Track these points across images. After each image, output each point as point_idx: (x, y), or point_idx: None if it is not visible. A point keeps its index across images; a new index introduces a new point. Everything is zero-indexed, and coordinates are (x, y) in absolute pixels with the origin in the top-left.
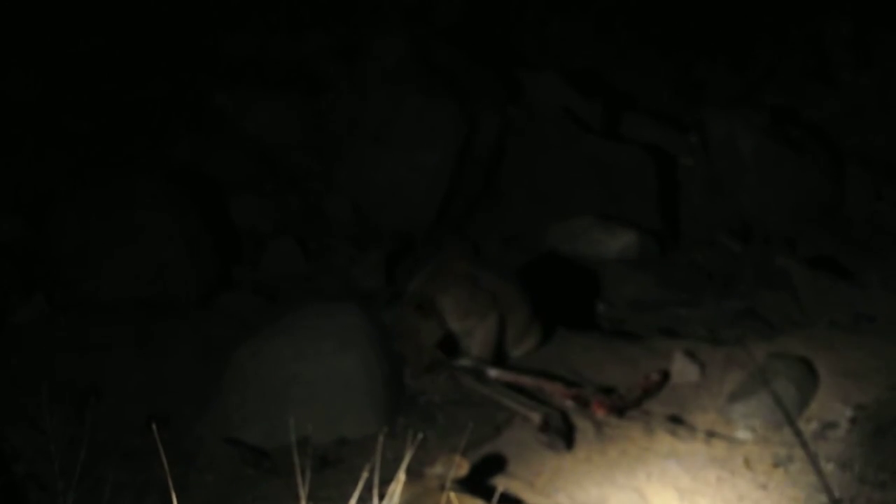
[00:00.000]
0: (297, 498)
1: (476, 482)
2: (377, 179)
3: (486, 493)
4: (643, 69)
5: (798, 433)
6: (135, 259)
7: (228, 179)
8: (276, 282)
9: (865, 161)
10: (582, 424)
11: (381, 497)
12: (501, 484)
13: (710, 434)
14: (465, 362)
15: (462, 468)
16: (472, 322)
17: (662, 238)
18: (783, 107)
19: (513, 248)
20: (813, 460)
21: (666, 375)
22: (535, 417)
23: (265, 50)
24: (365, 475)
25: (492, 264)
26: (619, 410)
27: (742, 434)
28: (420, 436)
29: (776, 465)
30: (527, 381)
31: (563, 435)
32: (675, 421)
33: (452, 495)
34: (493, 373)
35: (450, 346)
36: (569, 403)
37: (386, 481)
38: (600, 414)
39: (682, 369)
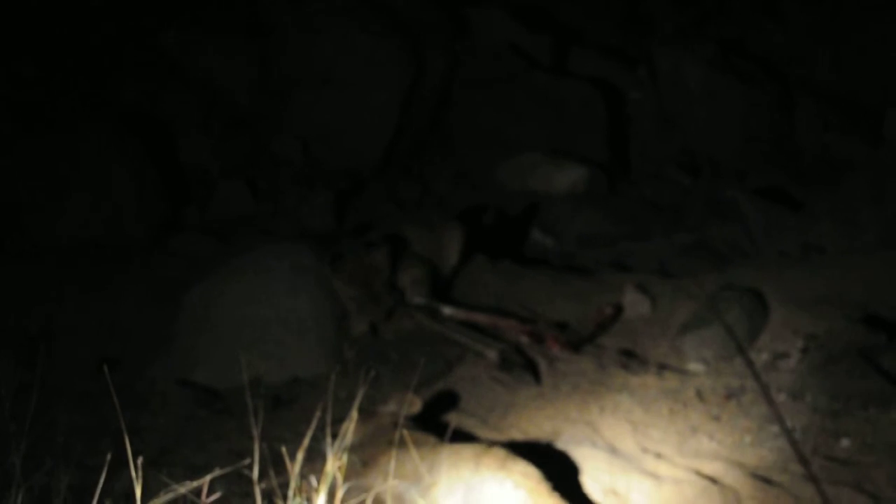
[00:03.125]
0: (251, 438)
1: (429, 419)
2: (325, 120)
3: (439, 429)
4: (589, 3)
5: (749, 364)
6: (84, 202)
7: (177, 121)
8: (227, 223)
9: (814, 93)
10: (535, 359)
11: (335, 436)
12: (454, 420)
13: (662, 367)
14: (419, 300)
15: (415, 405)
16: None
17: (611, 172)
18: (731, 39)
19: (462, 185)
20: (764, 391)
21: (619, 309)
22: (492, 355)
23: None
24: (318, 414)
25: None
26: (574, 345)
27: (694, 366)
28: (372, 374)
29: (728, 396)
30: (481, 318)
31: (528, 369)
32: (627, 354)
33: (405, 433)
34: (447, 310)
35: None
36: (523, 339)
37: (339, 420)
38: (555, 349)
39: (634, 303)
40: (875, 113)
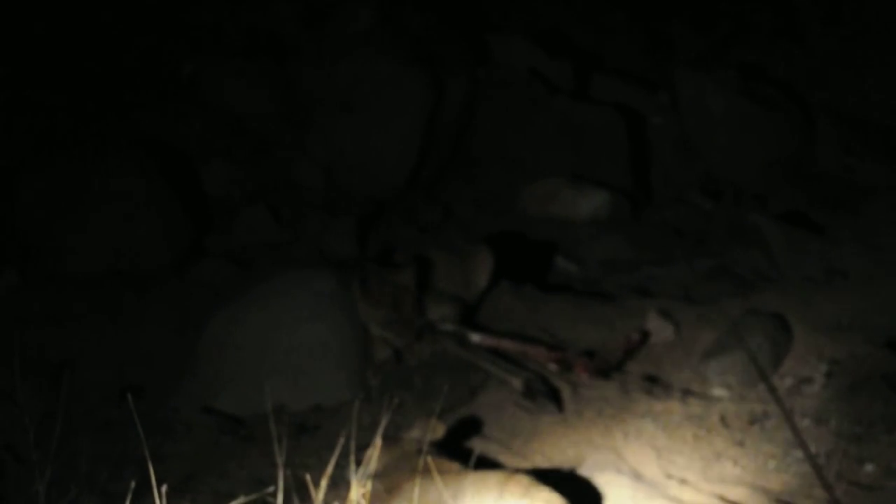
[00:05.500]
0: (275, 465)
1: (453, 445)
2: (347, 146)
3: (463, 456)
4: (610, 29)
5: (773, 389)
6: (106, 229)
7: (199, 148)
8: (249, 250)
9: (835, 117)
10: (558, 386)
11: (359, 463)
12: (478, 446)
13: (686, 392)
14: (447, 327)
15: (438, 432)
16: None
17: (634, 197)
18: (752, 64)
19: (484, 210)
20: (788, 416)
21: (646, 335)
22: (517, 383)
23: (232, 18)
24: (342, 441)
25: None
26: (604, 372)
27: (718, 392)
28: (396, 400)
29: (752, 421)
30: (510, 345)
31: (551, 398)
32: (651, 380)
33: (429, 459)
34: (475, 337)
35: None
36: (552, 367)
37: (363, 447)
38: (584, 376)
39: (657, 328)
40: None
